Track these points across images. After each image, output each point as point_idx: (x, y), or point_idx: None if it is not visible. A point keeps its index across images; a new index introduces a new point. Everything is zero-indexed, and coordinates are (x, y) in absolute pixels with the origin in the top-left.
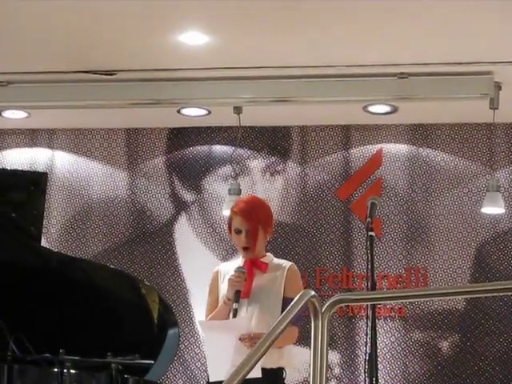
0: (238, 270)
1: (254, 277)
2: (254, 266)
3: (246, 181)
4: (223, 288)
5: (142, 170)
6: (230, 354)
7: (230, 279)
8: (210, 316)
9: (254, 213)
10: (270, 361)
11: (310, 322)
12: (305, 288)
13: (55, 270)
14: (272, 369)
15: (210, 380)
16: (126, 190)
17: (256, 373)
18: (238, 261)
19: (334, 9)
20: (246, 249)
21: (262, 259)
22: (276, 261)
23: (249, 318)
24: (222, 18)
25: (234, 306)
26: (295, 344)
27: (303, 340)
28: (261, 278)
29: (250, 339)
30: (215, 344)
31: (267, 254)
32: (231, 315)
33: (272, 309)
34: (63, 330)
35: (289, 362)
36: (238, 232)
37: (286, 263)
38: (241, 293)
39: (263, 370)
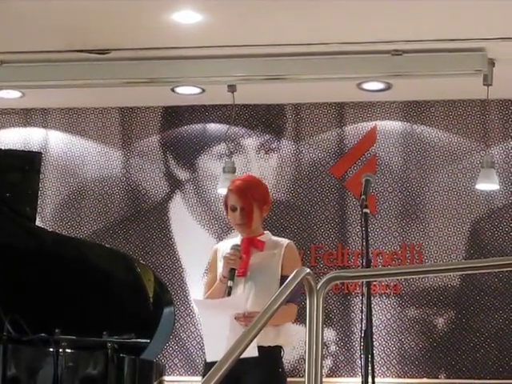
0: (233, 247)
1: (251, 255)
2: (251, 244)
3: (240, 159)
4: (220, 266)
5: (137, 148)
6: (225, 333)
7: (224, 257)
8: (207, 294)
9: (248, 191)
10: (267, 339)
11: (306, 299)
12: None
13: (50, 250)
14: (270, 347)
15: (208, 360)
16: (121, 169)
17: (252, 352)
18: (237, 239)
19: None
20: (240, 225)
21: (259, 237)
22: (274, 239)
23: (244, 296)
24: None
25: (229, 283)
26: (293, 322)
27: (299, 318)
28: (258, 256)
29: (244, 318)
30: (211, 323)
31: (265, 232)
32: (226, 293)
33: (269, 287)
34: (59, 310)
35: (287, 340)
36: (234, 209)
37: (284, 241)
38: (236, 271)
39: (261, 348)
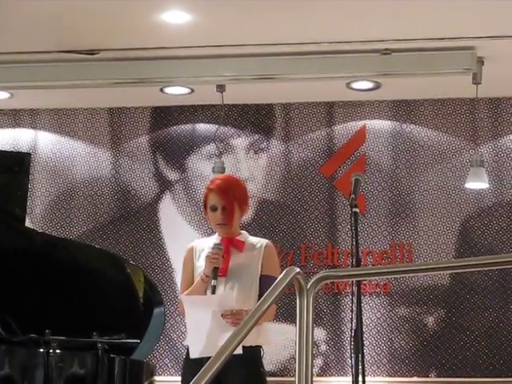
0: (215, 246)
1: (231, 255)
2: (230, 244)
3: (229, 159)
4: (199, 266)
5: (126, 149)
6: (210, 330)
7: (207, 256)
8: (185, 293)
9: (230, 190)
10: (249, 339)
11: (296, 299)
12: (289, 265)
13: (40, 251)
14: (251, 347)
15: (191, 357)
16: (110, 170)
17: (237, 349)
18: (213, 238)
19: None
20: (221, 225)
21: (237, 237)
22: (252, 239)
23: (230, 295)
24: None
25: (213, 282)
26: (273, 321)
27: (289, 317)
28: (238, 257)
29: (232, 315)
30: (196, 320)
31: (242, 231)
32: (209, 292)
33: (250, 287)
34: (49, 311)
35: (266, 340)
36: (214, 209)
37: (263, 241)
38: (218, 269)
39: (242, 348)
